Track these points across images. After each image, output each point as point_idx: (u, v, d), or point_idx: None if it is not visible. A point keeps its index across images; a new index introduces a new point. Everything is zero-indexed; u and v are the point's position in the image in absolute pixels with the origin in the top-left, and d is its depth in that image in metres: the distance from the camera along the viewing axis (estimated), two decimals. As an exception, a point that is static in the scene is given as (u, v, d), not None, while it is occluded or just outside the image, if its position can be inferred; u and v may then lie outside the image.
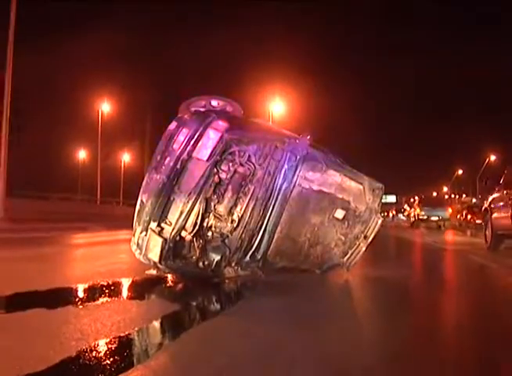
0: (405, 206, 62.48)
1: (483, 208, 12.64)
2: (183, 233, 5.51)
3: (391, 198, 71.82)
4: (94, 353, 2.91)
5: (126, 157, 58.89)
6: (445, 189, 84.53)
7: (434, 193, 76.17)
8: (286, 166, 5.88)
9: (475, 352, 3.32)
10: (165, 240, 5.38)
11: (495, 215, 11.59)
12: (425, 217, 39.12)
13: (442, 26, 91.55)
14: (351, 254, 6.17)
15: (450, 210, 41.92)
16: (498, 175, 12.39)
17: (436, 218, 38.42)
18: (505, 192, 11.14)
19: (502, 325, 4.07)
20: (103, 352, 2.97)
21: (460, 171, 76.03)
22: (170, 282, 5.81)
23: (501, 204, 11.21)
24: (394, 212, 71.33)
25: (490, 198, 12.19)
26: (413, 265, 9.48)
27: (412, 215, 43.41)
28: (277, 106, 39.93)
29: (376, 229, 6.19)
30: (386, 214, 61.89)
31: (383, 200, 6.47)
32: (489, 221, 11.85)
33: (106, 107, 47.18)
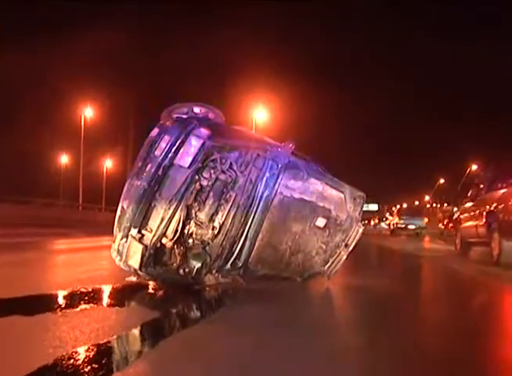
0: (387, 215, 63.03)
1: (454, 218, 14.22)
2: (164, 240, 5.51)
3: (373, 207, 72.37)
4: (72, 361, 2.89)
5: (109, 163, 58.67)
6: (427, 197, 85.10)
7: (416, 202, 76.93)
8: (267, 174, 5.89)
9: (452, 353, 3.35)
10: (146, 246, 5.37)
11: (463, 224, 12.85)
12: (403, 225, 40.79)
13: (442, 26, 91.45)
14: (332, 262, 6.19)
15: (426, 219, 43.55)
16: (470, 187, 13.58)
17: (413, 227, 40.04)
18: (471, 204, 12.36)
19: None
20: (81, 359, 2.95)
21: (442, 181, 76.67)
22: (150, 289, 5.78)
23: (469, 215, 12.32)
24: (376, 221, 71.79)
25: (460, 209, 13.61)
26: (393, 273, 9.50)
27: (391, 223, 45.17)
28: (261, 113, 40.01)
29: (357, 238, 6.22)
30: (367, 222, 63.04)
31: (365, 209, 6.52)
32: (459, 230, 13.21)
33: (89, 112, 47.03)
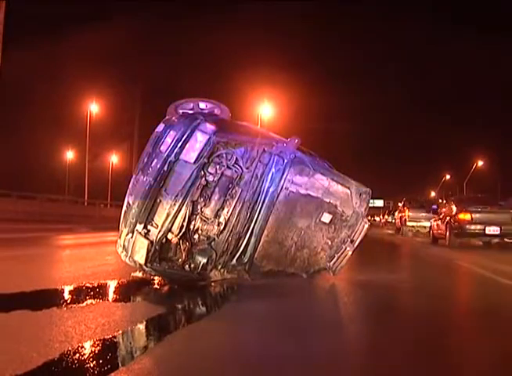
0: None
1: (395, 217, 34.16)
2: (169, 236, 5.51)
3: (379, 203, 72.55)
4: (77, 356, 2.89)
5: (114, 159, 58.72)
6: (433, 193, 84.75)
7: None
8: (273, 169, 5.88)
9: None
10: (151, 242, 5.37)
11: (396, 220, 32.01)
12: (390, 220, 53.89)
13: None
14: (338, 258, 6.15)
15: None
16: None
17: None
18: (399, 211, 31.96)
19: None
20: (87, 354, 2.95)
21: (448, 176, 76.41)
22: (156, 284, 5.78)
23: (398, 215, 31.40)
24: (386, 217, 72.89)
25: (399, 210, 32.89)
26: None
27: (384, 218, 62.66)
28: (266, 108, 39.98)
29: (362, 234, 6.18)
30: (371, 218, 67.37)
31: (370, 205, 6.49)
32: (396, 223, 31.38)
33: (94, 108, 46.97)
